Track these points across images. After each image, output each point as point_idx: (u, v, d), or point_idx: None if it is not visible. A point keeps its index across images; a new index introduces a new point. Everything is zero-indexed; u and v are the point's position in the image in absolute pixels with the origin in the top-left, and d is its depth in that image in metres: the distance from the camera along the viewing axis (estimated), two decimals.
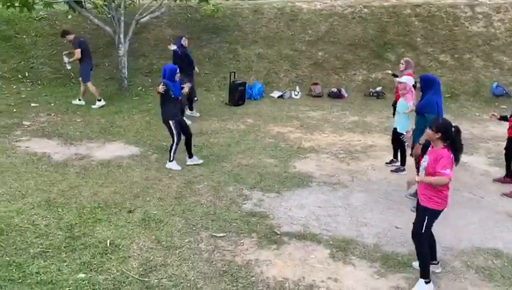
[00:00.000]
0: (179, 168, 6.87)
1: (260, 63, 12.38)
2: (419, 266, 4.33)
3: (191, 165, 7.00)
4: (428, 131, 4.21)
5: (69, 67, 10.19)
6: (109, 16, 10.68)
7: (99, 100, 9.98)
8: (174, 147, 6.87)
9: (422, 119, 5.78)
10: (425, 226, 4.18)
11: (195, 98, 9.76)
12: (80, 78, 10.05)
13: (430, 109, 5.73)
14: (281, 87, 11.70)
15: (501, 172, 6.88)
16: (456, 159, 4.15)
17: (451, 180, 4.14)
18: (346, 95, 11.34)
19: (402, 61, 7.83)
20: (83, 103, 10.04)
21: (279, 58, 12.44)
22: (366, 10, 13.43)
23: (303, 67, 12.26)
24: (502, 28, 12.76)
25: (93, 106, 9.90)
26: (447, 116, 9.95)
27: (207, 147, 7.90)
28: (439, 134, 4.12)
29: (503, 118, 6.66)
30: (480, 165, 7.39)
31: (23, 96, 10.56)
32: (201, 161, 7.12)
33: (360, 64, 12.23)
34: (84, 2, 10.77)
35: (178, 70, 6.92)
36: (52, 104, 9.95)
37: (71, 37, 9.85)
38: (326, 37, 12.83)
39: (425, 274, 4.25)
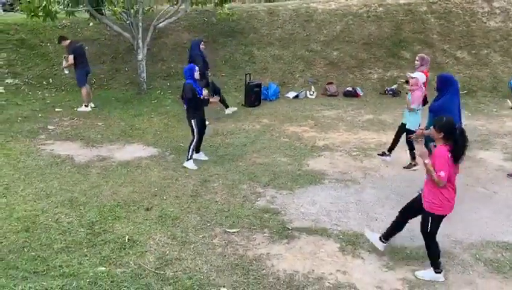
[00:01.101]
0: (195, 167, 7.10)
1: (276, 64, 12.54)
2: (429, 258, 4.43)
3: (198, 160, 7.34)
4: (431, 130, 4.28)
5: (66, 72, 10.56)
6: (127, 22, 11.02)
7: (86, 106, 10.28)
8: (193, 145, 7.14)
9: None
10: (430, 227, 4.30)
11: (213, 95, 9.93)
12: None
13: (448, 112, 5.57)
14: (297, 87, 11.84)
15: None
16: (456, 160, 4.19)
17: (449, 181, 4.21)
18: (361, 93, 11.40)
19: (417, 57, 7.86)
20: (92, 105, 10.42)
21: (295, 59, 12.58)
22: (381, 9, 13.45)
23: (318, 68, 12.37)
24: None
25: (78, 109, 10.27)
26: (463, 112, 9.98)
27: (223, 147, 8.10)
28: (442, 133, 4.19)
29: None
30: (495, 160, 7.37)
31: (48, 101, 10.99)
32: (207, 158, 7.41)
33: (376, 62, 12.27)
34: (104, 10, 11.13)
35: (197, 69, 7.17)
36: (75, 109, 10.32)
37: (67, 42, 10.21)
38: (341, 37, 12.91)
39: (435, 265, 4.38)
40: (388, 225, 4.82)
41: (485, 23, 12.74)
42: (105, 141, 8.44)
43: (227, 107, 9.92)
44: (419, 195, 4.52)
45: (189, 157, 7.15)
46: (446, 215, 4.33)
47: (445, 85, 5.74)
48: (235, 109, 9.96)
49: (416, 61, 7.59)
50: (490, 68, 11.76)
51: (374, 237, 4.84)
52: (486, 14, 12.92)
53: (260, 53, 12.83)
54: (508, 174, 6.74)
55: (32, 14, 9.79)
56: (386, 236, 4.76)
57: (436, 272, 4.37)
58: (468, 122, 9.46)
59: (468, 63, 11.97)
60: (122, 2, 9.77)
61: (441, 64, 11.91)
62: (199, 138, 7.23)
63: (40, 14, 9.78)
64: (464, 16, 12.96)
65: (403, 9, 13.34)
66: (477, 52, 12.14)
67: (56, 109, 10.36)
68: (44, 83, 12.16)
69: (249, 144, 8.23)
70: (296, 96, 11.40)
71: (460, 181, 6.51)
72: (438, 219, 4.31)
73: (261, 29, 13.43)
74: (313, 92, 11.45)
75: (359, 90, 11.44)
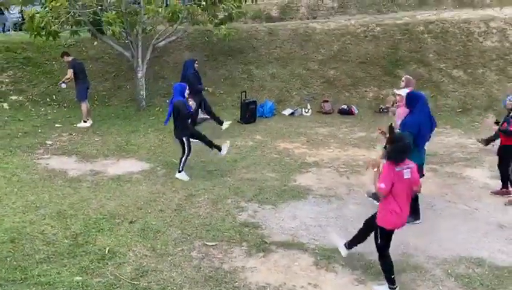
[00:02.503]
0: (187, 178, 7.34)
1: (273, 82, 12.74)
2: (383, 272, 4.51)
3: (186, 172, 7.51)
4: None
5: (63, 86, 10.85)
6: (127, 41, 11.35)
7: (85, 121, 10.57)
8: (184, 159, 7.40)
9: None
10: (380, 239, 4.40)
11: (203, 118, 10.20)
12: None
13: (411, 129, 5.64)
14: (293, 105, 12.00)
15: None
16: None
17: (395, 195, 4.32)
18: (356, 111, 11.52)
19: (403, 78, 7.98)
20: (91, 121, 10.70)
21: (292, 78, 12.77)
22: (378, 28, 13.63)
23: (315, 86, 12.54)
24: None
25: (78, 125, 10.54)
26: (457, 130, 10.06)
27: (213, 162, 8.24)
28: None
29: (497, 123, 6.80)
30: (481, 178, 7.40)
31: (49, 118, 11.29)
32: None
33: (371, 81, 12.39)
34: (106, 30, 11.47)
35: (187, 87, 7.48)
36: (75, 125, 10.59)
37: (69, 58, 10.60)
38: (338, 56, 13.09)
39: (389, 281, 4.43)
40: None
41: (482, 42, 12.83)
42: (100, 155, 8.65)
43: (221, 123, 10.09)
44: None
45: (181, 169, 7.38)
46: (390, 231, 4.39)
47: (414, 101, 5.90)
48: (230, 122, 10.14)
49: (401, 82, 7.71)
50: (485, 87, 11.81)
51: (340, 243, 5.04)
52: (482, 34, 13.02)
53: (258, 71, 13.05)
54: (491, 192, 6.77)
55: (35, 33, 10.16)
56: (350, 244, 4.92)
57: (390, 288, 4.43)
58: (461, 140, 9.55)
59: (463, 82, 12.04)
60: (120, 22, 10.08)
61: (436, 83, 12.01)
62: (189, 153, 7.41)
63: (43, 33, 10.13)
64: (461, 36, 13.07)
65: (400, 29, 13.51)
66: (473, 71, 12.22)
67: (56, 125, 10.64)
68: (48, 99, 12.49)
69: (239, 159, 8.37)
70: (292, 114, 11.55)
71: (442, 198, 6.64)
72: (382, 232, 4.40)
73: (260, 48, 13.67)
74: (308, 110, 11.60)
75: (354, 108, 11.56)
